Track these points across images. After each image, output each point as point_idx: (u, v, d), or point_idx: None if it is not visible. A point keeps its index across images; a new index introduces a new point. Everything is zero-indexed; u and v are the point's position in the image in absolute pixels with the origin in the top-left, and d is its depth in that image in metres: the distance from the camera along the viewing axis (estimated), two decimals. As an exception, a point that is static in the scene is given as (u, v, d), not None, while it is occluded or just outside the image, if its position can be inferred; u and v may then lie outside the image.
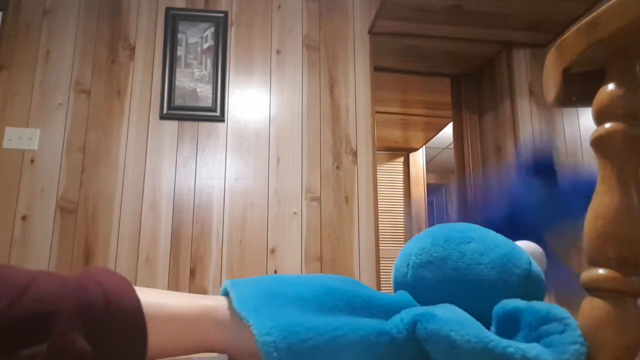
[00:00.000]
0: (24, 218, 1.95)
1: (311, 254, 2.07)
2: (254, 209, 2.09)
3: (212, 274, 1.99)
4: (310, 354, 0.37)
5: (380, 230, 2.18)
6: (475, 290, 0.41)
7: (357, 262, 2.09)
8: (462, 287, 0.42)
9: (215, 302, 0.38)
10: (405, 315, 0.38)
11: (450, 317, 0.34)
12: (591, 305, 0.26)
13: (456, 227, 0.47)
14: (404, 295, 0.45)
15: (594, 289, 0.26)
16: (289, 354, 0.37)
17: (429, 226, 4.54)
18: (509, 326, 0.37)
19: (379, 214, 2.21)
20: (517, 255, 0.42)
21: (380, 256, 2.20)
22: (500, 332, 0.37)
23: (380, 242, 2.16)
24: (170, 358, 0.37)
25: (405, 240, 4.40)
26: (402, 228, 4.43)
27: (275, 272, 2.03)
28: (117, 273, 0.39)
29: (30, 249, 1.92)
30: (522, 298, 0.38)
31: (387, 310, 0.41)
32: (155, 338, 0.35)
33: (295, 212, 2.10)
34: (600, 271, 0.26)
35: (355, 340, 0.36)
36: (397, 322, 0.37)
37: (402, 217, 4.44)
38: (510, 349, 0.32)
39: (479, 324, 0.34)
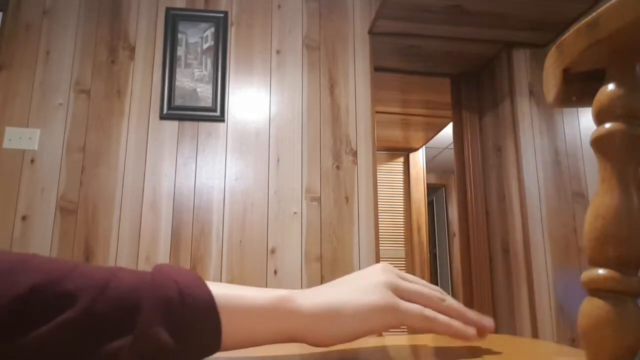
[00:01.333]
0: (24, 218, 1.95)
1: (311, 254, 2.07)
2: (254, 209, 2.09)
3: (212, 274, 1.99)
4: None
5: (380, 230, 2.18)
6: None
7: (357, 262, 2.09)
8: None
9: (290, 293, 0.39)
10: None
11: None
12: (591, 305, 0.26)
13: None
14: None
15: (594, 289, 0.26)
16: None
17: (428, 226, 4.54)
18: None
19: (379, 214, 2.21)
20: None
21: (380, 256, 2.20)
22: None
23: (380, 242, 2.16)
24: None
25: (406, 239, 4.41)
26: (402, 228, 4.43)
27: (275, 272, 2.03)
28: (186, 268, 0.39)
29: (30, 249, 1.92)
30: None
31: None
32: (230, 328, 0.36)
33: (295, 212, 2.10)
34: (600, 271, 0.26)
35: None
36: None
37: (402, 217, 4.44)
38: None
39: None
